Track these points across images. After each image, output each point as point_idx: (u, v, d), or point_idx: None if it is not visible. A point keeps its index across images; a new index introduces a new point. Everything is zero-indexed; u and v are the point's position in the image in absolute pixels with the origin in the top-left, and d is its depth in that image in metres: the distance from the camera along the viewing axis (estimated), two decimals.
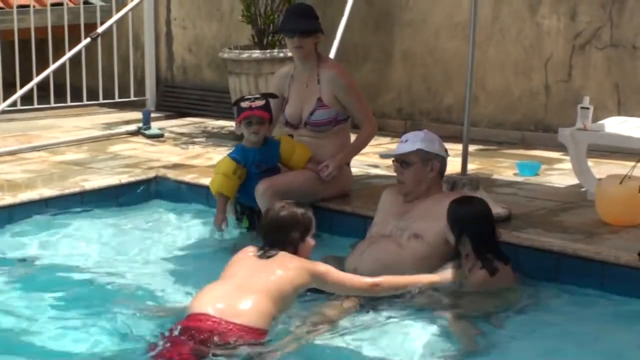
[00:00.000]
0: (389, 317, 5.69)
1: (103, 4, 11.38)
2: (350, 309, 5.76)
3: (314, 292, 5.75)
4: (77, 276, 6.51)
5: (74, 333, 5.50)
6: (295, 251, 5.64)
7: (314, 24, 7.43)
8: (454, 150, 6.58)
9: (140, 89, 11.23)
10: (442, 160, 6.37)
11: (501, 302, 5.89)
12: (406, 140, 6.38)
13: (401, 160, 6.34)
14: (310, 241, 5.76)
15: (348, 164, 7.46)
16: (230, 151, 7.20)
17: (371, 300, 5.80)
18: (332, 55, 9.23)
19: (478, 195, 6.65)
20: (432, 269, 6.04)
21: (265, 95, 7.23)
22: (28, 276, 6.50)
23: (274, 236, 5.67)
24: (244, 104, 7.06)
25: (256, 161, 7.04)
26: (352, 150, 7.43)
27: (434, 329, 5.53)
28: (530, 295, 5.99)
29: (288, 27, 7.49)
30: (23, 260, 6.86)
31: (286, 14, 7.80)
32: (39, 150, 9.24)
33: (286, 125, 7.43)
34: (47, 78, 9.91)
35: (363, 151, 8.95)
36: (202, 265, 6.66)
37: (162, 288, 6.21)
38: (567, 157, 7.66)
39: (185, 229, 7.33)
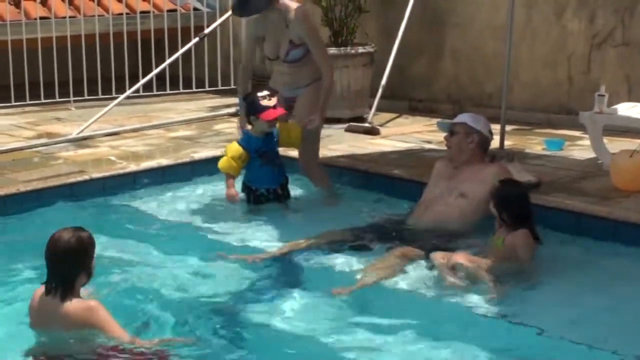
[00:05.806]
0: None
1: (209, 10, 11.39)
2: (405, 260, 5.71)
3: None
4: (190, 226, 6.64)
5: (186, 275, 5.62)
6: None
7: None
8: (493, 129, 6.52)
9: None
10: (482, 137, 6.32)
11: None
12: (458, 117, 6.49)
13: (450, 130, 6.36)
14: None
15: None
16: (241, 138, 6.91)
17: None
18: (394, 50, 9.20)
19: (512, 166, 6.60)
20: (473, 224, 6.05)
21: (273, 91, 6.76)
22: (150, 226, 6.60)
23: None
24: (265, 102, 6.62)
25: (256, 148, 6.77)
26: (324, 100, 6.85)
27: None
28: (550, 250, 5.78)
29: (235, 12, 7.03)
30: (148, 215, 6.91)
31: None
32: (157, 128, 9.28)
33: (266, 59, 7.15)
34: (163, 70, 9.95)
35: (419, 129, 8.90)
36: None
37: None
38: (587, 136, 7.55)
39: None
